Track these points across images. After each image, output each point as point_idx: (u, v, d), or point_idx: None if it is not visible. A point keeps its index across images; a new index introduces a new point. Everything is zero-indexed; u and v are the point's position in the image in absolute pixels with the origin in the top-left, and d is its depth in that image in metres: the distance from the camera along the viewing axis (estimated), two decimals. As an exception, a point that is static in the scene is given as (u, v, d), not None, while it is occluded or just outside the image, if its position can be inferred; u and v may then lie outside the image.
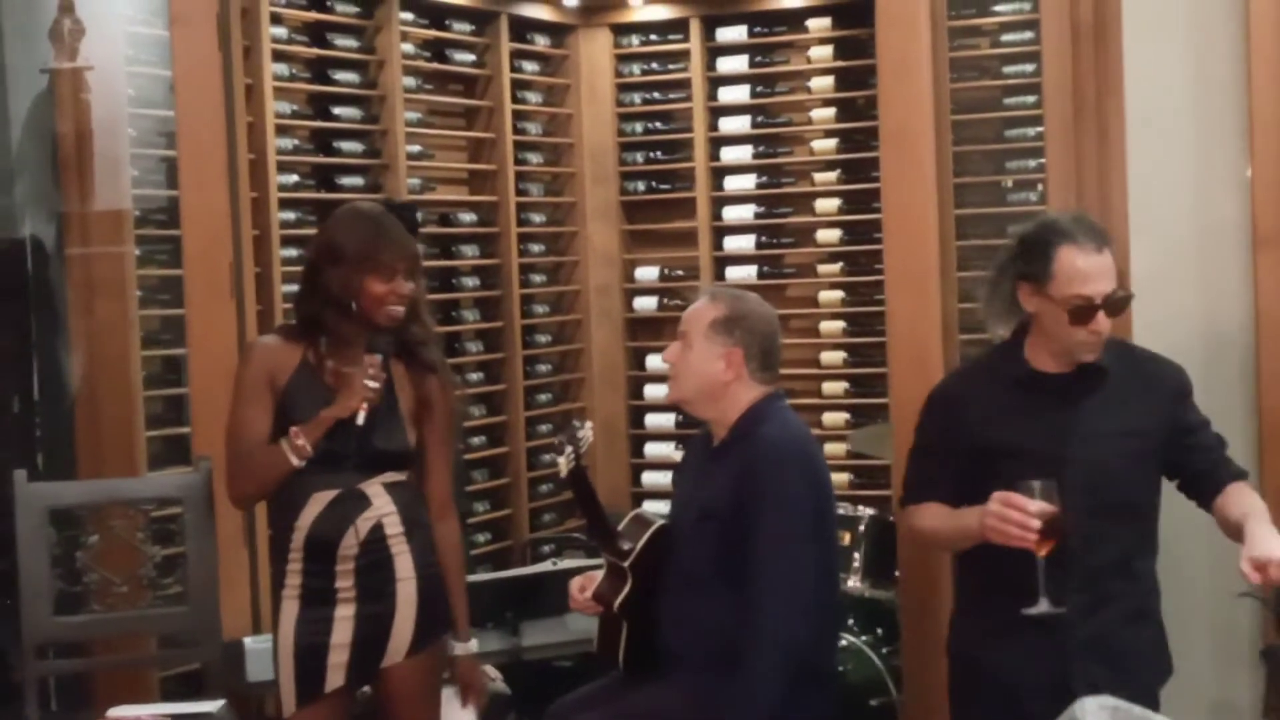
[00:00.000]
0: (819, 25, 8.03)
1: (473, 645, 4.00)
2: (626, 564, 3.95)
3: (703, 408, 3.98)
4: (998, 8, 7.58)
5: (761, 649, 3.71)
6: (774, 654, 3.71)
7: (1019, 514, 3.30)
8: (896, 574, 4.49)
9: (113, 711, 3.84)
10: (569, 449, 3.86)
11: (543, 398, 8.18)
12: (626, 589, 3.93)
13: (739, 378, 3.91)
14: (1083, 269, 3.47)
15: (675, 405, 4.14)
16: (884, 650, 5.02)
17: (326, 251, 3.79)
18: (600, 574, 4.04)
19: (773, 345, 3.97)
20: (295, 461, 3.69)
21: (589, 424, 3.95)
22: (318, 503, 3.73)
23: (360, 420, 3.70)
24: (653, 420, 8.34)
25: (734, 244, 8.21)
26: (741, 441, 3.88)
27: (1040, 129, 5.46)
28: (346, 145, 6.95)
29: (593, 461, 8.28)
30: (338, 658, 3.75)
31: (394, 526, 3.77)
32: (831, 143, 8.02)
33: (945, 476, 3.66)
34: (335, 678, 3.75)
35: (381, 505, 3.77)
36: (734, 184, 8.22)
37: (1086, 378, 3.56)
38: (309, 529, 3.73)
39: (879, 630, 5.12)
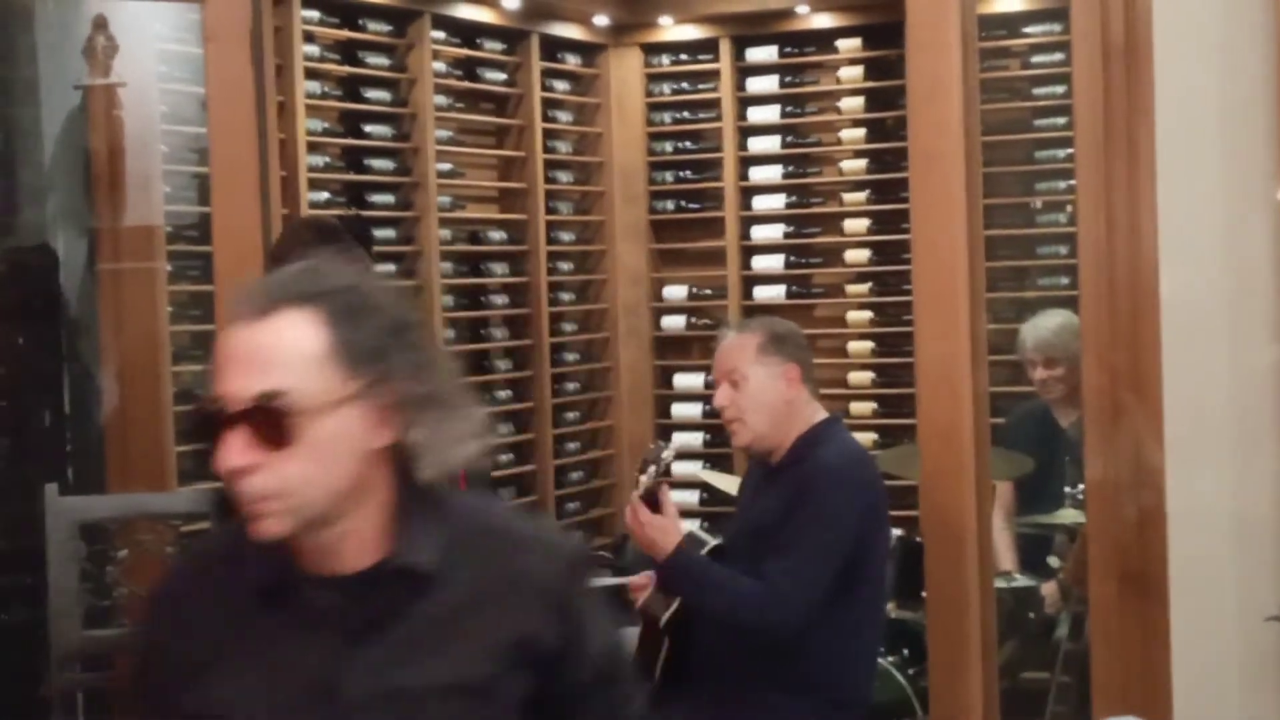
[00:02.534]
0: (849, 46, 8.04)
1: None
2: None
3: (773, 437, 3.94)
4: (1028, 29, 7.59)
5: (732, 603, 3.75)
6: (731, 616, 3.76)
7: None
8: (924, 594, 4.48)
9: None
10: (651, 468, 3.85)
11: (570, 416, 8.19)
12: (675, 605, 3.92)
13: (799, 393, 3.92)
14: (218, 358, 1.92)
15: (746, 448, 4.08)
16: (910, 671, 5.01)
17: None
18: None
19: (810, 357, 4.00)
20: None
21: (673, 446, 3.94)
22: None
23: None
24: (679, 438, 8.32)
25: (762, 263, 8.22)
26: (799, 463, 3.88)
27: (1070, 150, 5.45)
28: (377, 163, 6.98)
29: (619, 479, 8.31)
30: None
31: None
32: (861, 163, 8.02)
33: None
34: None
35: None
36: (763, 204, 8.24)
37: (386, 583, 1.96)
38: None
39: (905, 651, 5.11)
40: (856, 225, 8.03)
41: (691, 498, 7.93)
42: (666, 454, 3.86)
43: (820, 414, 3.97)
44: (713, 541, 4.00)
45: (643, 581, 4.01)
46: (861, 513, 3.82)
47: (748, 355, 3.91)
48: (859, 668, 3.94)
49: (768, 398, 3.90)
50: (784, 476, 3.90)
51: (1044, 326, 5.50)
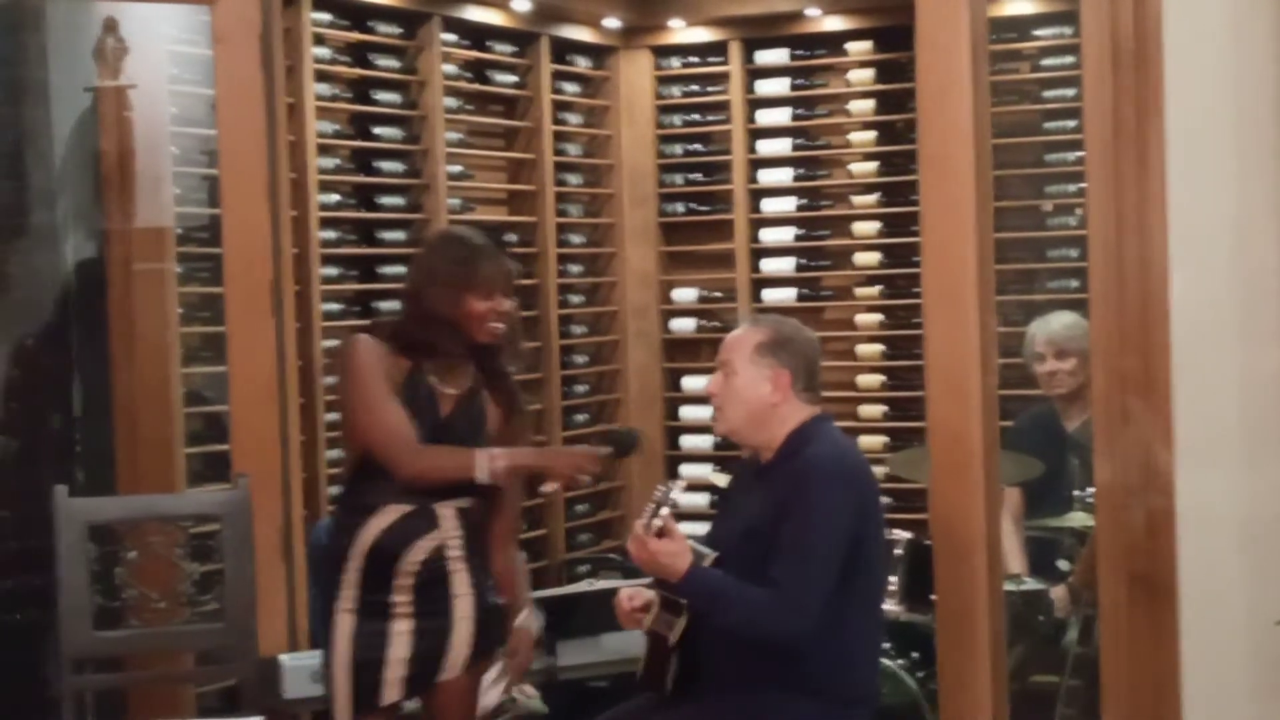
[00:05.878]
0: (859, 49, 8.03)
1: (532, 621, 4.06)
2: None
3: (752, 434, 3.98)
4: (1038, 32, 7.58)
5: (750, 615, 3.75)
6: (750, 627, 3.76)
7: None
8: (933, 597, 4.48)
9: (149, 727, 3.86)
10: (664, 509, 3.84)
11: (580, 418, 8.18)
12: (683, 622, 3.91)
13: (786, 399, 3.92)
14: None
15: (725, 436, 4.12)
16: (919, 674, 5.00)
17: (427, 274, 3.90)
18: (645, 591, 4.03)
19: (816, 366, 3.99)
20: (482, 480, 3.78)
21: (681, 484, 3.95)
22: (389, 514, 3.78)
23: (550, 488, 3.91)
24: (689, 441, 8.34)
25: (772, 266, 8.21)
26: (788, 461, 3.89)
27: (1080, 153, 5.45)
28: (387, 165, 6.98)
29: (627, 482, 8.31)
30: (395, 672, 3.78)
31: (455, 549, 3.83)
32: (871, 166, 8.01)
33: None
34: (392, 692, 3.79)
35: (449, 529, 3.82)
36: (772, 206, 8.22)
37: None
38: (374, 538, 3.77)
39: (915, 654, 5.10)
40: (866, 228, 8.02)
41: (701, 500, 7.92)
42: (675, 494, 3.87)
43: (812, 412, 3.97)
44: (711, 554, 3.99)
45: (630, 594, 4.01)
46: (856, 508, 3.82)
47: (743, 352, 3.94)
48: (863, 664, 3.93)
49: (750, 397, 3.92)
50: (774, 474, 3.91)
51: (1054, 322, 5.50)
